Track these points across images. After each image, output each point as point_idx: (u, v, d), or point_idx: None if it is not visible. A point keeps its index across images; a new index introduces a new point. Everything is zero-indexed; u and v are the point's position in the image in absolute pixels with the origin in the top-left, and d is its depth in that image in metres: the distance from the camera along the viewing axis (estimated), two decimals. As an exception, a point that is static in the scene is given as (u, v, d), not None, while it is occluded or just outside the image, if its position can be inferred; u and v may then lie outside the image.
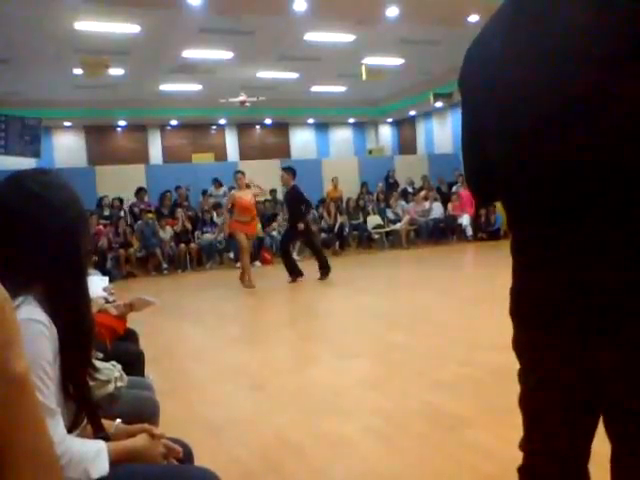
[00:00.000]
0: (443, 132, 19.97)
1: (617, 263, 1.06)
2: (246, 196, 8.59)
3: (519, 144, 1.16)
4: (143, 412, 1.89)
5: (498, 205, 13.50)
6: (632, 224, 1.04)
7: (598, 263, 1.08)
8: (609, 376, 1.12)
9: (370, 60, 13.89)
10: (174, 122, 18.85)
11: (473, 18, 10.46)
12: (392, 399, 3.50)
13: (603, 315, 1.09)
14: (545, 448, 1.34)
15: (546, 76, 1.10)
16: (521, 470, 1.45)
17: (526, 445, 1.41)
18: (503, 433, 2.86)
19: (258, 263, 11.68)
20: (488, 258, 10.67)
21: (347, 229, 13.56)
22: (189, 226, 11.98)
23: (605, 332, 1.09)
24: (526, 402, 1.36)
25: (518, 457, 2.62)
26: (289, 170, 9.01)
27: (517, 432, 2.90)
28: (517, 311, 1.30)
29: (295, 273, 8.83)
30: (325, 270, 8.75)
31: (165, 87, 15.32)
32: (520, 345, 1.34)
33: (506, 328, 3.79)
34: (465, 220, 13.65)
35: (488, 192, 1.39)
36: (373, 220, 13.81)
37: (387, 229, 13.67)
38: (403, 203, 14.00)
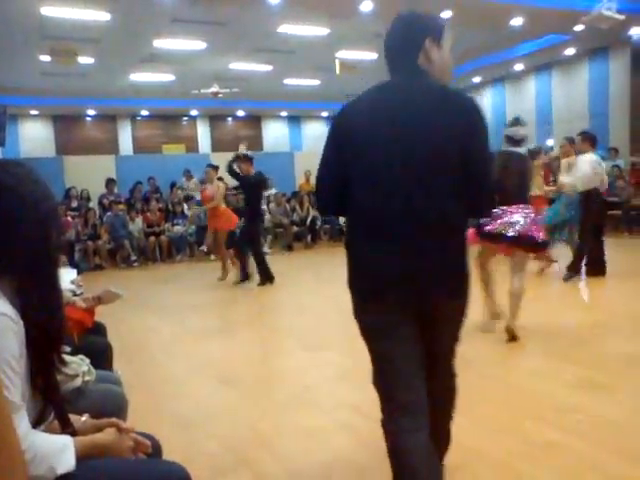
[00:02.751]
0: (415, 127, 20.08)
1: (431, 261, 1.80)
2: (208, 189, 8.56)
3: (392, 183, 1.82)
4: (111, 406, 1.87)
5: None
6: (442, 240, 1.81)
7: (420, 259, 1.80)
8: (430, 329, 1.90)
9: (344, 54, 13.88)
10: (145, 112, 18.57)
11: (447, 14, 10.52)
12: (361, 391, 3.51)
13: (424, 287, 1.83)
14: (386, 382, 1.97)
15: (406, 144, 1.81)
16: (382, 414, 2.03)
17: (376, 386, 2.04)
18: (467, 426, 2.91)
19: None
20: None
21: (319, 222, 13.57)
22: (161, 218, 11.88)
23: (424, 293, 1.83)
24: (373, 347, 1.97)
25: (483, 449, 2.68)
26: (245, 158, 8.15)
27: (481, 425, 2.96)
28: (359, 286, 1.93)
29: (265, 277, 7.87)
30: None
31: (136, 77, 15.06)
32: (365, 313, 1.93)
33: (468, 320, 3.79)
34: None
35: (338, 210, 2.05)
36: (345, 214, 13.84)
37: None
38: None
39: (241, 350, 4.79)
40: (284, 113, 20.72)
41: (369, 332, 1.94)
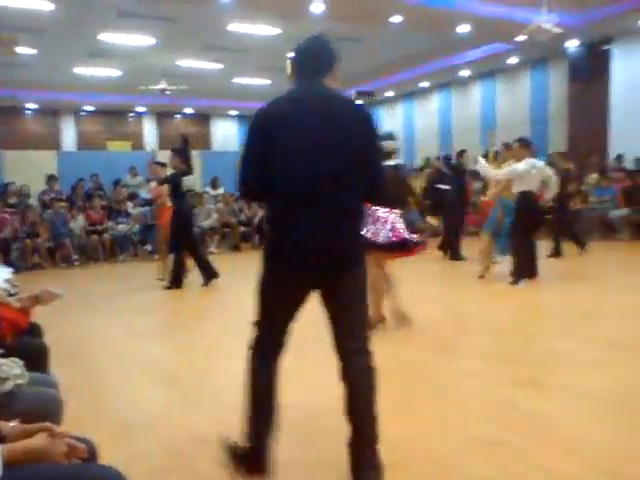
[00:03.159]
0: (364, 130, 20.30)
1: (342, 235, 2.25)
2: (155, 187, 8.47)
3: (306, 178, 2.20)
4: (45, 410, 1.81)
5: (415, 203, 13.90)
6: (350, 218, 2.29)
7: (330, 236, 2.22)
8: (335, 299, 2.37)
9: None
10: (89, 107, 18.05)
11: (396, 19, 10.68)
12: (305, 393, 3.53)
13: (336, 263, 2.28)
14: (271, 326, 2.42)
15: (326, 142, 2.22)
16: (254, 344, 2.46)
17: (259, 327, 2.44)
18: (409, 425, 2.97)
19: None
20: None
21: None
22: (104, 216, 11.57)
23: (334, 268, 2.28)
24: (266, 303, 2.39)
25: (425, 447, 2.73)
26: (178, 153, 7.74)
27: (421, 423, 3.01)
28: (276, 256, 2.32)
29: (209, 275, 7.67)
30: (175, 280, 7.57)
31: (81, 70, 14.63)
32: (273, 276, 2.34)
33: (415, 321, 3.97)
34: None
35: (260, 195, 2.42)
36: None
37: None
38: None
39: (186, 351, 4.72)
40: (234, 112, 20.55)
41: (272, 296, 2.37)
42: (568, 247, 9.16)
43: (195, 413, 3.27)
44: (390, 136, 5.08)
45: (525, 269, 6.81)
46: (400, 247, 4.62)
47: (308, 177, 2.20)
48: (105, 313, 6.32)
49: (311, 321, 2.70)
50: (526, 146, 6.84)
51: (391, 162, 4.86)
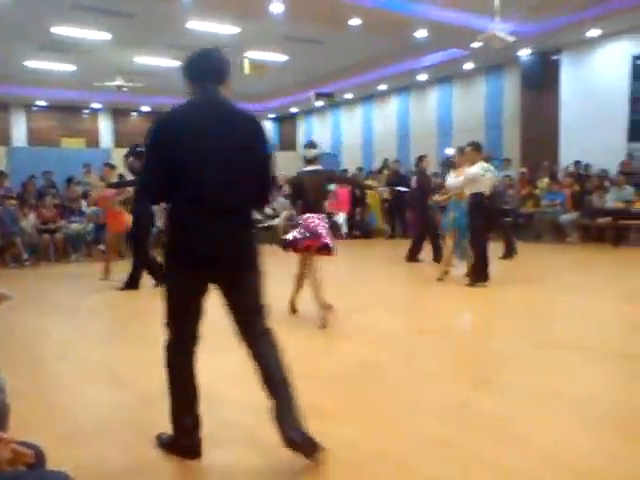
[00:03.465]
0: (323, 131, 20.38)
1: (236, 235, 2.48)
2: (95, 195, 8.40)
3: (203, 181, 2.40)
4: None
5: (372, 205, 14.07)
6: (241, 221, 2.52)
7: (228, 235, 2.46)
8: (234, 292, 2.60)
9: (254, 55, 13.85)
10: (42, 103, 17.57)
11: (355, 22, 10.78)
12: (260, 394, 3.54)
13: (233, 260, 2.50)
14: (182, 321, 2.61)
15: (220, 153, 2.43)
16: (169, 341, 2.64)
17: (172, 326, 2.61)
18: (365, 425, 3.01)
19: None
20: (360, 255, 11.09)
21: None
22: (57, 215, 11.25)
23: (230, 264, 2.51)
24: (173, 296, 2.56)
25: (379, 447, 2.78)
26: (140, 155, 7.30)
27: (379, 424, 3.06)
28: (179, 256, 2.50)
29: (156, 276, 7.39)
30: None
31: (32, 64, 14.20)
32: (176, 275, 2.53)
33: (367, 321, 4.06)
34: (341, 218, 14.05)
35: (162, 197, 2.57)
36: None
37: (265, 224, 13.70)
38: (281, 199, 14.10)
39: (139, 354, 4.64)
40: (192, 110, 20.32)
41: (176, 289, 2.56)
42: (521, 248, 9.42)
43: (148, 416, 3.23)
44: (312, 144, 5.46)
45: (483, 271, 6.97)
46: (315, 248, 5.14)
47: (207, 181, 2.40)
48: (56, 314, 6.17)
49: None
50: (477, 149, 7.04)
51: (312, 167, 5.27)
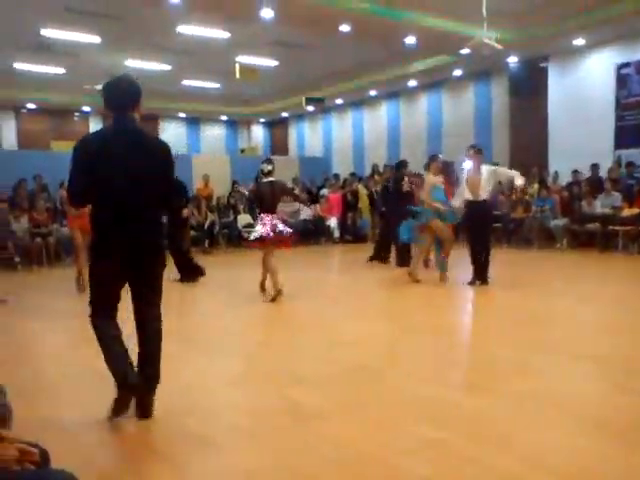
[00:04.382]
0: (314, 135, 20.47)
1: (144, 235, 3.15)
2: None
3: (116, 190, 3.04)
4: (-6, 417, 1.80)
5: (363, 210, 14.16)
6: (144, 224, 3.15)
7: (136, 235, 3.11)
8: (139, 276, 3.20)
9: (245, 59, 13.91)
10: (32, 105, 17.50)
11: (345, 28, 10.87)
12: (254, 396, 3.59)
13: (139, 252, 3.14)
14: (104, 299, 3.18)
15: (132, 169, 3.05)
16: (94, 312, 3.20)
17: (96, 299, 3.19)
18: (356, 426, 3.07)
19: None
20: (352, 259, 11.15)
21: (217, 227, 13.47)
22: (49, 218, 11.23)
23: (140, 256, 3.15)
24: (96, 280, 3.18)
25: (370, 447, 2.84)
26: None
27: (369, 425, 3.12)
28: (102, 251, 3.13)
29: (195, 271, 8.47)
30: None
31: (21, 66, 14.16)
32: (99, 265, 3.16)
33: (361, 327, 4.16)
34: (333, 222, 14.13)
35: (85, 202, 3.31)
36: (243, 219, 13.83)
37: (247, 233, 13.70)
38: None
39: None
40: (182, 114, 20.34)
41: (100, 277, 3.16)
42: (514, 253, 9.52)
43: (146, 420, 3.26)
44: (269, 161, 7.03)
45: (483, 271, 7.16)
46: (273, 241, 6.70)
47: (120, 193, 3.05)
48: (50, 318, 6.16)
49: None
50: (481, 152, 7.29)
51: (268, 179, 6.82)
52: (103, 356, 3.15)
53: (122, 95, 3.16)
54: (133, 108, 3.16)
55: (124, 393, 3.12)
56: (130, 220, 3.08)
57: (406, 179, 9.43)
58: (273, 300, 6.55)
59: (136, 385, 3.14)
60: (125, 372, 3.13)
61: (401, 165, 9.76)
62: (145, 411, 3.17)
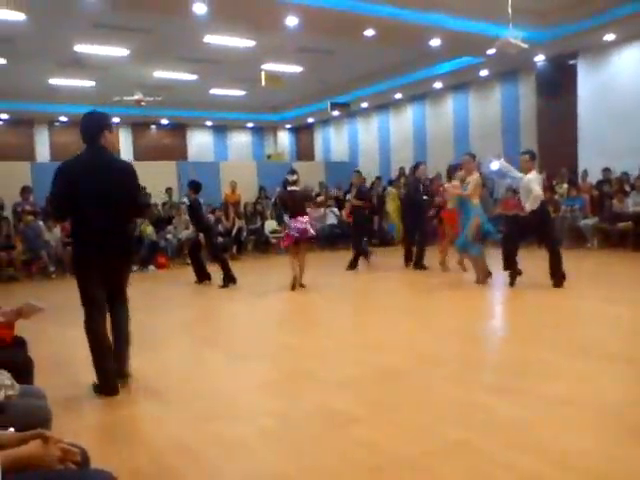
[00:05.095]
0: (340, 140, 20.50)
1: (114, 241, 3.86)
2: None
3: (90, 207, 3.74)
4: (36, 420, 1.87)
5: (391, 214, 14.11)
6: (116, 236, 3.87)
7: (108, 245, 3.82)
8: (112, 278, 3.92)
9: (270, 67, 14.03)
10: (64, 118, 17.94)
11: (369, 32, 10.88)
12: (286, 400, 3.62)
13: (113, 260, 3.88)
14: (91, 298, 3.84)
15: (103, 190, 3.76)
16: (87, 313, 3.86)
17: (86, 301, 3.84)
18: (387, 429, 3.07)
19: (152, 267, 11.45)
20: (381, 263, 11.13)
21: (245, 233, 13.58)
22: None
23: (110, 260, 3.86)
24: (83, 286, 3.84)
25: (401, 450, 2.84)
26: (190, 184, 8.86)
27: (399, 428, 3.13)
28: (83, 263, 3.85)
29: (202, 275, 8.93)
30: (228, 279, 8.61)
31: (55, 81, 14.56)
32: (81, 272, 3.85)
33: (391, 331, 4.16)
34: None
35: (65, 217, 4.13)
36: (270, 225, 13.93)
37: (220, 240, 13.68)
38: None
39: (167, 361, 4.76)
40: (209, 122, 20.59)
41: (84, 281, 3.83)
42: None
43: (176, 422, 3.32)
44: (293, 171, 8.14)
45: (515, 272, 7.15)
46: (308, 239, 8.04)
47: (94, 208, 3.72)
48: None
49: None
50: (534, 158, 7.25)
51: (293, 188, 7.93)
52: (91, 353, 3.83)
53: (91, 129, 3.85)
54: (100, 139, 3.82)
55: (103, 388, 3.82)
56: (103, 232, 3.75)
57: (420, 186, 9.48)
58: (293, 289, 7.79)
59: (114, 388, 3.81)
60: (107, 372, 3.81)
61: (415, 168, 9.80)
62: (121, 376, 3.88)
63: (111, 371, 3.80)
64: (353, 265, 9.90)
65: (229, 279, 8.61)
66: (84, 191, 3.68)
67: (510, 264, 7.11)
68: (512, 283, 7.13)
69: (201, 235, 8.85)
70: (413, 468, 2.62)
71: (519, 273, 7.15)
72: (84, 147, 3.85)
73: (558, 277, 6.95)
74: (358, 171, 11.20)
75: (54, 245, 10.95)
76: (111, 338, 3.88)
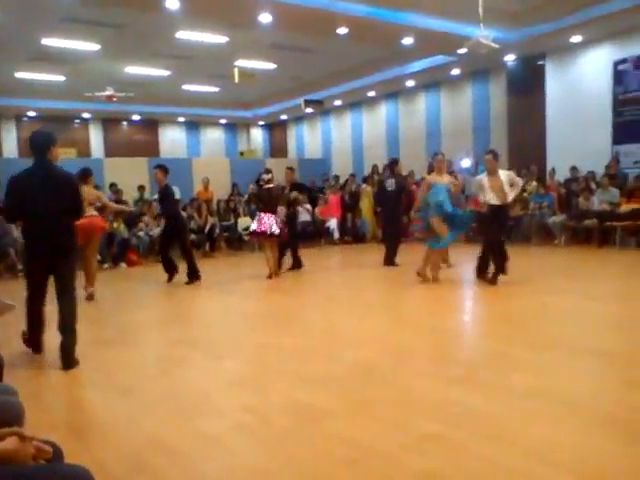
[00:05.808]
0: (313, 137, 20.53)
1: (59, 238, 4.56)
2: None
3: (38, 212, 4.47)
4: (8, 416, 1.86)
5: (364, 211, 14.20)
6: (60, 234, 4.56)
7: (54, 242, 4.53)
8: (57, 270, 4.59)
9: (243, 63, 13.98)
10: (32, 113, 17.59)
11: (342, 30, 10.92)
12: (260, 397, 3.64)
13: (57, 254, 4.57)
14: (34, 286, 4.66)
15: (50, 198, 4.47)
16: (28, 295, 4.69)
17: (29, 287, 4.72)
18: (362, 423, 3.12)
19: (124, 264, 11.33)
20: (353, 259, 11.21)
21: (217, 230, 13.52)
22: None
23: (56, 254, 4.57)
24: (29, 273, 4.73)
25: (376, 444, 2.88)
26: (162, 168, 8.68)
27: (374, 422, 3.18)
28: (32, 255, 4.63)
29: (171, 270, 8.72)
30: (193, 276, 8.56)
31: (22, 75, 14.24)
32: (30, 264, 4.71)
33: (365, 326, 4.21)
34: (332, 224, 14.18)
35: (17, 219, 5.41)
36: (244, 222, 13.89)
37: (193, 236, 13.63)
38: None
39: (141, 359, 4.73)
40: (182, 119, 20.42)
41: (30, 269, 4.66)
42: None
43: (151, 419, 3.31)
44: (268, 171, 8.85)
45: (503, 265, 7.25)
46: (266, 235, 8.54)
47: (41, 213, 4.39)
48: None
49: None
50: (497, 157, 7.44)
51: (268, 186, 8.62)
52: (26, 323, 4.73)
53: (40, 145, 4.45)
54: (47, 153, 4.45)
55: (27, 341, 4.86)
56: (49, 232, 4.43)
57: (390, 182, 9.52)
58: (270, 278, 8.54)
59: (36, 348, 4.82)
60: (35, 337, 4.80)
61: (395, 164, 9.85)
62: (66, 365, 4.39)
63: (38, 336, 4.79)
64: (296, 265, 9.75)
65: (194, 276, 8.52)
66: (34, 199, 4.36)
67: (500, 255, 7.23)
68: (504, 271, 7.24)
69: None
70: (388, 461, 2.66)
71: (507, 259, 7.29)
72: (33, 160, 4.45)
73: (497, 272, 7.22)
74: (290, 168, 10.46)
75: (22, 243, 10.72)
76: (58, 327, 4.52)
